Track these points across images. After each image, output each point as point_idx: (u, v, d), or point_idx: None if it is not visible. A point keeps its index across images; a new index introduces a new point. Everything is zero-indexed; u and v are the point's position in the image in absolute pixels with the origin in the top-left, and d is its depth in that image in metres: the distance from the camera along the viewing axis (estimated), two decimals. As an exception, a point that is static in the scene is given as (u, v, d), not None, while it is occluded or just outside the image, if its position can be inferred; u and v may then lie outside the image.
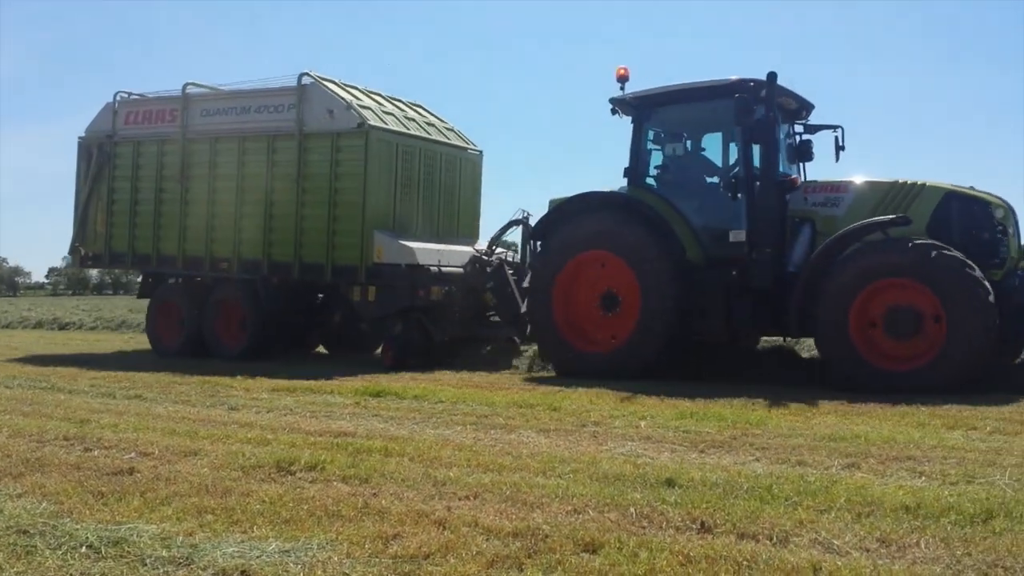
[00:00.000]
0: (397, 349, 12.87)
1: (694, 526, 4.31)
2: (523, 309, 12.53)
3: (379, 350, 13.82)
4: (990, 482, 5.08)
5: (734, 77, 10.68)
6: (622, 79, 11.75)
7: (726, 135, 11.52)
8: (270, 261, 14.13)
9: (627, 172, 11.58)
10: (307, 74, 13.91)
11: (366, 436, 6.76)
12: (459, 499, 4.85)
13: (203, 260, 14.84)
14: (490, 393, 9.37)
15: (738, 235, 10.60)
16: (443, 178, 14.69)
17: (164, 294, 15.78)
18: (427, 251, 13.47)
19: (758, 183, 10.59)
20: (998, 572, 3.65)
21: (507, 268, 13.53)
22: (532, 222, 12.95)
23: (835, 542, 4.00)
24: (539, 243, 12.18)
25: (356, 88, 14.40)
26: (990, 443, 6.29)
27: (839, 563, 3.68)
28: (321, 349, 16.21)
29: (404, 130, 14.07)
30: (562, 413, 7.90)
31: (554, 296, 11.42)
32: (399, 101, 15.12)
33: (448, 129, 15.48)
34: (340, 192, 13.48)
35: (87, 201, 16.09)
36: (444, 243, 14.12)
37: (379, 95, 14.76)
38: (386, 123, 13.73)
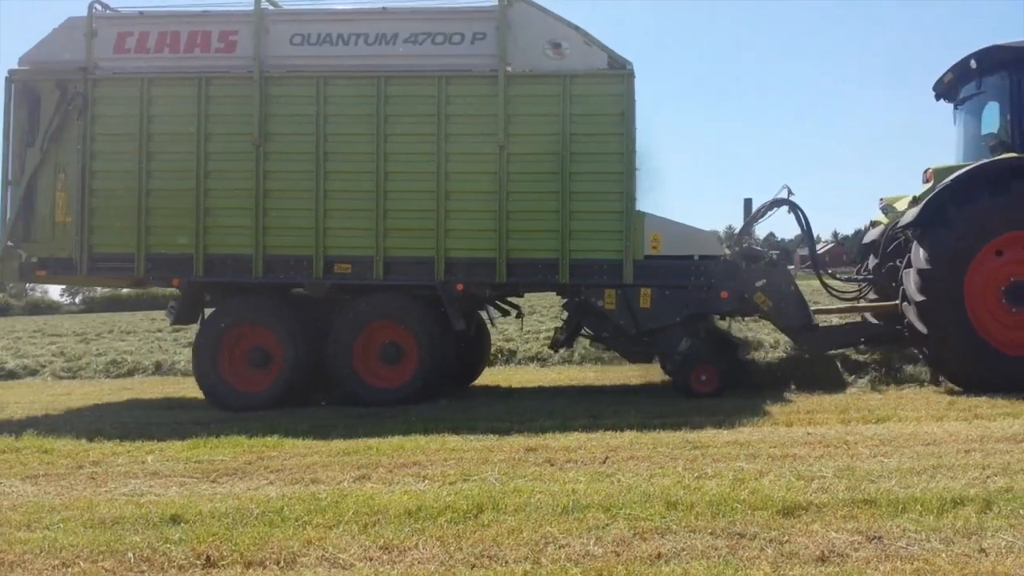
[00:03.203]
0: (722, 373, 9.86)
1: (199, 562, 4.07)
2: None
3: (666, 373, 10.47)
4: (483, 478, 5.56)
5: None
6: None
7: None
8: (449, 259, 9.88)
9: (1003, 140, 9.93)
10: None
11: None
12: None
13: (305, 261, 9.94)
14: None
15: None
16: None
17: (235, 316, 10.19)
18: (712, 238, 10.56)
19: None
20: (485, 562, 3.97)
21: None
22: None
23: (341, 556, 4.04)
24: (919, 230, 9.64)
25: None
26: (484, 442, 6.92)
27: (343, 577, 3.72)
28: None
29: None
30: (54, 455, 6.99)
31: (966, 293, 9.29)
32: None
33: None
34: (580, 159, 9.76)
35: (35, 175, 10.19)
36: None
37: None
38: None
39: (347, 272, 9.88)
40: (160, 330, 23.44)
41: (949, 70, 10.82)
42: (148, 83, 10.00)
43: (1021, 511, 4.42)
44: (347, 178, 9.89)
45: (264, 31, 9.91)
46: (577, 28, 9.81)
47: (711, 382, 9.71)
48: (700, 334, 10.05)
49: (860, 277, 11.65)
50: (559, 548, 4.11)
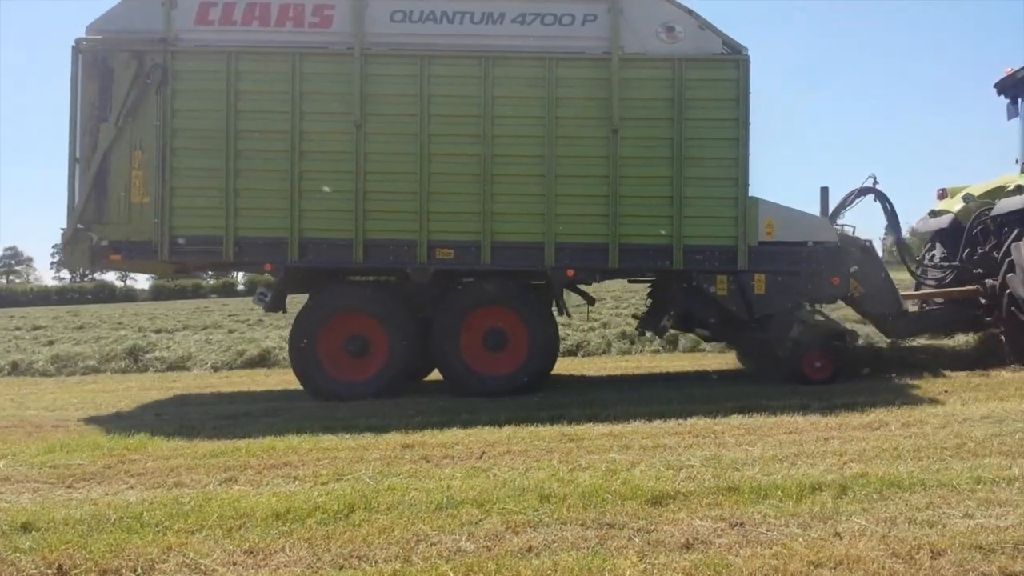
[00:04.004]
0: (836, 359, 9.92)
1: (50, 571, 3.86)
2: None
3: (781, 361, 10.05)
4: (356, 478, 5.46)
5: None
6: None
7: None
8: (560, 244, 9.56)
9: None
10: None
11: None
12: None
13: (406, 246, 9.53)
14: None
15: None
16: None
17: (338, 302, 9.82)
18: (825, 224, 10.37)
19: None
20: (354, 562, 3.89)
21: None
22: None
23: (203, 562, 3.88)
24: None
25: None
26: (360, 440, 6.79)
27: (204, 584, 3.57)
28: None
29: None
30: None
31: None
32: None
33: None
34: (693, 144, 9.60)
35: (108, 152, 9.34)
36: None
37: None
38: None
39: (449, 257, 9.58)
40: (19, 328, 22.12)
41: None
42: (236, 57, 9.44)
43: (874, 495, 4.65)
44: (452, 161, 9.58)
45: (363, 6, 9.48)
46: (691, 11, 9.70)
47: (825, 369, 9.88)
48: (809, 320, 10.16)
49: (946, 264, 11.79)
50: (431, 546, 4.07)
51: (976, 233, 11.22)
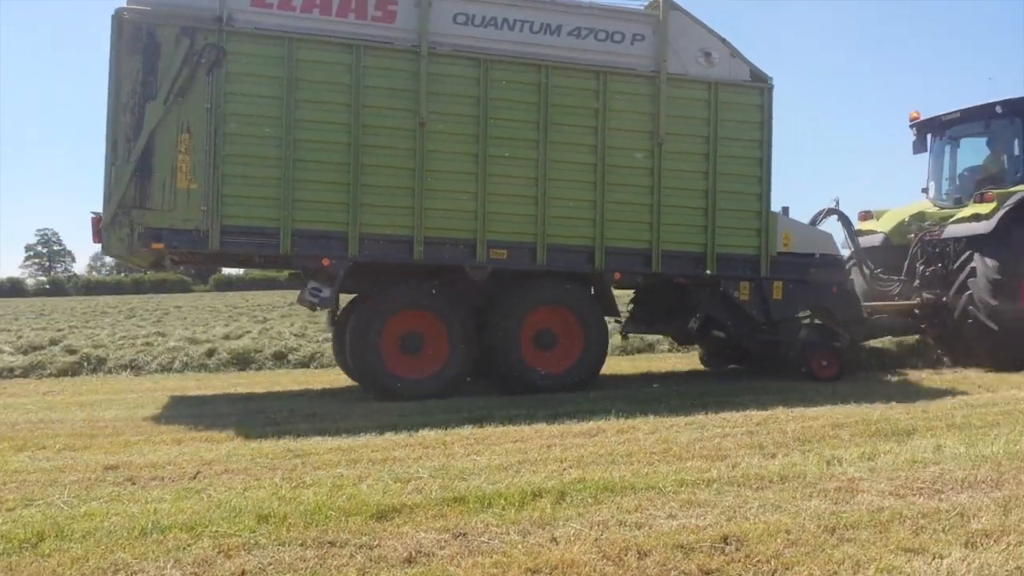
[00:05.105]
0: (840, 358, 11.39)
1: None
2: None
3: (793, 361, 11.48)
4: (48, 503, 4.89)
5: None
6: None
7: None
8: (608, 248, 10.12)
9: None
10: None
11: None
12: None
13: (462, 244, 9.72)
14: None
15: None
16: None
17: (400, 300, 9.70)
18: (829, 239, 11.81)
19: None
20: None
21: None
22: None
23: None
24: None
25: None
26: (55, 462, 6.11)
27: None
28: None
29: None
30: None
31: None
32: None
33: None
34: (725, 161, 10.53)
35: (154, 133, 8.61)
36: None
37: None
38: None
39: (503, 257, 9.81)
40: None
41: (959, 111, 13.47)
42: (296, 44, 9.10)
43: (589, 500, 4.85)
44: (508, 163, 9.82)
45: (428, 5, 9.46)
46: (724, 40, 10.56)
47: (832, 366, 11.16)
48: (813, 324, 11.48)
49: (897, 278, 13.25)
50: (131, 575, 3.69)
51: (916, 251, 13.14)
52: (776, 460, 5.90)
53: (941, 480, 5.22)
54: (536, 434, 7.06)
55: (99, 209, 8.81)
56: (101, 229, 8.81)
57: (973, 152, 14.02)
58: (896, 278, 13.22)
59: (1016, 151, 13.16)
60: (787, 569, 3.75)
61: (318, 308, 9.99)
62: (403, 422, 7.71)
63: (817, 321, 11.71)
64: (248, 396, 10.23)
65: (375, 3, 9.42)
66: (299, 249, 9.20)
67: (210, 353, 14.43)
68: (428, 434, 7.12)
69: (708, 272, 10.56)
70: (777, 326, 11.12)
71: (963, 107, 13.56)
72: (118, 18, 8.74)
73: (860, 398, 8.94)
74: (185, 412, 8.79)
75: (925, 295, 12.79)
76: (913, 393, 9.65)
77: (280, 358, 14.49)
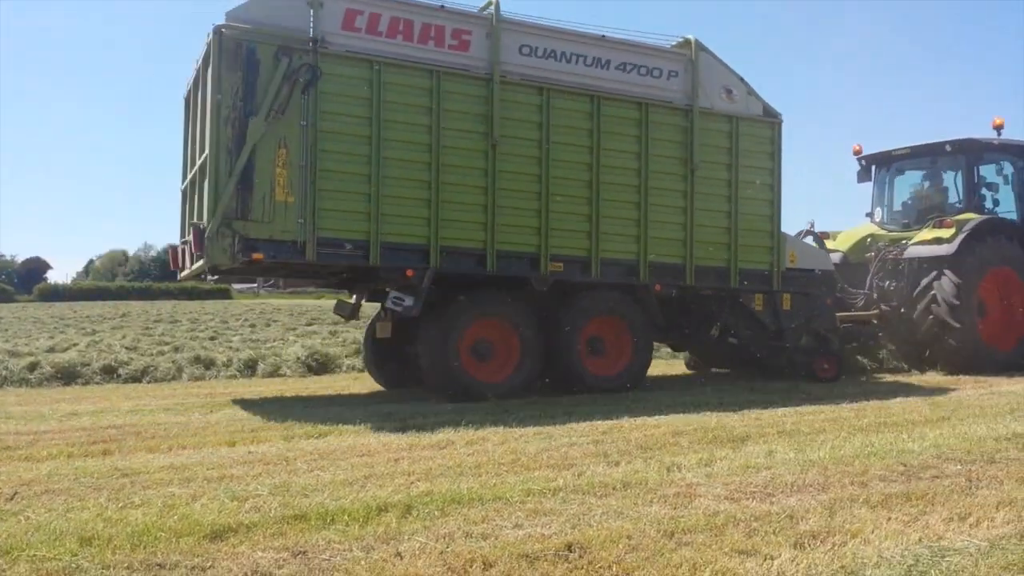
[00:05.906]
0: (838, 360, 12.75)
1: None
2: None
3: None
4: None
5: None
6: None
7: None
8: (650, 263, 11.19)
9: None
10: (696, 40, 11.41)
11: None
12: None
13: (527, 258, 10.58)
14: None
15: None
16: None
17: (478, 308, 10.42)
18: (827, 257, 13.49)
19: None
20: None
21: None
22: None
23: None
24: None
25: None
26: None
27: None
28: None
29: None
30: None
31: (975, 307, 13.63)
32: None
33: None
34: (743, 187, 11.77)
35: (256, 147, 8.94)
36: None
37: None
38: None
39: (559, 270, 10.66)
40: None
41: (909, 147, 15.14)
42: (383, 67, 9.71)
43: (436, 513, 4.77)
44: (567, 184, 10.70)
45: (497, 36, 10.25)
46: (743, 79, 11.80)
47: (832, 369, 12.44)
48: (812, 332, 12.58)
49: (862, 292, 14.42)
50: (-72, 610, 3.34)
51: (876, 268, 14.43)
52: (620, 468, 6.02)
53: (772, 484, 5.46)
54: (384, 447, 6.93)
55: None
56: (205, 240, 8.97)
57: (916, 183, 15.74)
58: (860, 291, 14.46)
59: (960, 183, 14.90)
60: (628, 574, 3.81)
61: (404, 316, 10.22)
62: (241, 437, 7.41)
63: (816, 329, 12.88)
64: (73, 413, 9.56)
65: (451, 32, 10.14)
66: (386, 261, 9.72)
67: (32, 367, 13.49)
68: (269, 450, 6.86)
69: (732, 285, 11.76)
70: (784, 334, 12.31)
71: (913, 144, 15.29)
72: (219, 34, 9.04)
73: (700, 407, 9.31)
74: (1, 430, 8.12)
75: (883, 307, 14.20)
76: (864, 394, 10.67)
77: (110, 372, 13.71)
